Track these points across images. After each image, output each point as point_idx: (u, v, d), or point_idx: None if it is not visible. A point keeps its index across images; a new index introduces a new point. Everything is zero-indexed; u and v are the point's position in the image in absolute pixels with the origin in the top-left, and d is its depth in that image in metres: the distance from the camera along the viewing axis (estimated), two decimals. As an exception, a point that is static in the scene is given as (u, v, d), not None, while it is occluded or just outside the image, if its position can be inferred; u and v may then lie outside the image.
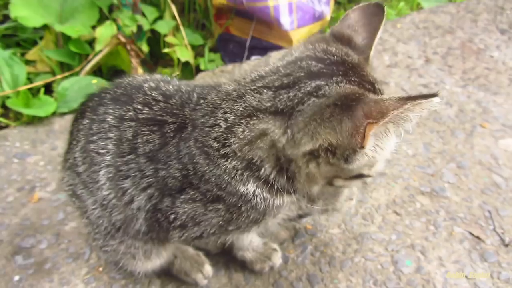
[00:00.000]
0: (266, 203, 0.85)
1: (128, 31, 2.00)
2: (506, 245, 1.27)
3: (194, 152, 0.85)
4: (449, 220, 1.35)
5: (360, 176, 0.85)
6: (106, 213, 0.97)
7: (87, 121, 0.99)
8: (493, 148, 1.59)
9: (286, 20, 2.13)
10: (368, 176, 0.86)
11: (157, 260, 1.09)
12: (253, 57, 2.24)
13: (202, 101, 0.90)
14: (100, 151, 0.94)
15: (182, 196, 0.90)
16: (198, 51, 2.40)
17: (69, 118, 1.76)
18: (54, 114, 1.79)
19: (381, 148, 0.77)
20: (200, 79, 2.01)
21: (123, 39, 1.96)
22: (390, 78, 1.95)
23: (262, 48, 2.25)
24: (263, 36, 2.25)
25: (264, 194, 0.84)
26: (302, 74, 0.80)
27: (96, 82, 1.89)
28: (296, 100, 0.77)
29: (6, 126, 1.81)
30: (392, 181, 1.48)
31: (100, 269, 1.25)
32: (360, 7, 0.90)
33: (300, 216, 1.09)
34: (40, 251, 1.31)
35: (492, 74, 1.96)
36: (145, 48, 2.10)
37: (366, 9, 0.89)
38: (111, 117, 0.95)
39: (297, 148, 0.78)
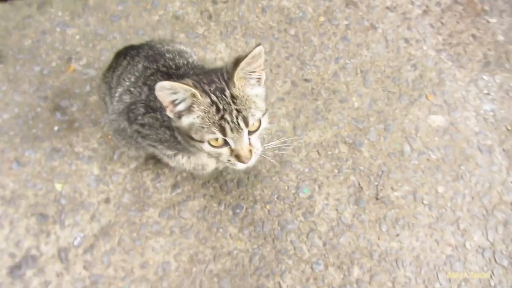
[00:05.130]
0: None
1: None
2: (377, 199, 1.92)
3: None
4: (351, 169, 1.97)
5: (192, 138, 1.28)
6: (117, 122, 1.64)
7: (126, 62, 1.61)
8: (421, 120, 2.07)
9: None
10: (198, 141, 1.27)
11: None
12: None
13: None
14: (126, 79, 1.58)
15: (150, 114, 1.53)
16: None
17: (102, -4, 2.24)
18: (91, -13, 2.25)
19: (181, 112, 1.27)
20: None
21: None
22: (381, 23, 2.26)
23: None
24: None
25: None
26: None
27: (129, -38, 2.26)
28: None
29: (53, -16, 2.29)
30: (329, 126, 2.04)
31: (110, 137, 1.97)
32: None
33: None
34: (72, 112, 2.01)
35: (473, 45, 2.25)
36: None
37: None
38: (140, 65, 1.58)
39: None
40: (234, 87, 1.26)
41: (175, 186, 1.90)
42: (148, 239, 1.81)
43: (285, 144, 1.99)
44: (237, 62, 1.24)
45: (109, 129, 1.82)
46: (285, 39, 2.21)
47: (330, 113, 2.06)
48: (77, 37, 2.15)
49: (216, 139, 1.26)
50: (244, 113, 1.25)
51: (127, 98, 1.57)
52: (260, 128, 1.32)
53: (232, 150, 1.30)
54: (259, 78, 1.30)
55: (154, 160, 1.94)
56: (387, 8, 2.30)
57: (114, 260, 1.78)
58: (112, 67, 1.68)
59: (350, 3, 2.30)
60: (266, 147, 1.49)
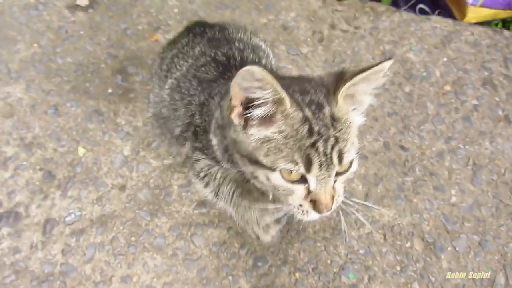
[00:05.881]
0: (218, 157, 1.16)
1: None
2: (439, 327, 1.42)
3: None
4: (418, 274, 1.50)
5: (256, 162, 0.93)
6: (159, 106, 1.38)
7: (185, 41, 1.36)
8: (534, 253, 1.56)
9: (472, -7, 1.95)
10: (266, 166, 0.92)
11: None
12: (419, 5, 2.15)
13: None
14: (178, 66, 1.31)
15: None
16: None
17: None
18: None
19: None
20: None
21: None
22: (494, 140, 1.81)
23: (433, 2, 2.13)
24: (444, -10, 2.11)
25: (218, 152, 1.14)
26: None
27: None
28: None
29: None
30: (410, 212, 1.60)
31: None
32: None
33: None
34: (134, 81, 1.79)
35: None
36: None
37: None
38: (198, 49, 1.31)
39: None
40: (336, 105, 0.91)
41: (202, 204, 1.57)
42: (144, 251, 1.48)
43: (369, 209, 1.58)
44: (341, 75, 0.90)
45: (149, 109, 1.56)
46: (396, 93, 1.84)
47: (417, 197, 1.63)
48: (176, 10, 1.96)
49: (290, 172, 0.90)
50: (341, 145, 0.90)
51: (177, 97, 1.30)
52: (350, 171, 0.96)
53: (309, 192, 0.93)
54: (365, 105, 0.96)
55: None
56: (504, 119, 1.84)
57: (97, 257, 1.46)
58: (173, 42, 1.44)
59: (488, 83, 1.88)
60: (347, 199, 1.10)
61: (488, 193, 1.66)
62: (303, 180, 0.92)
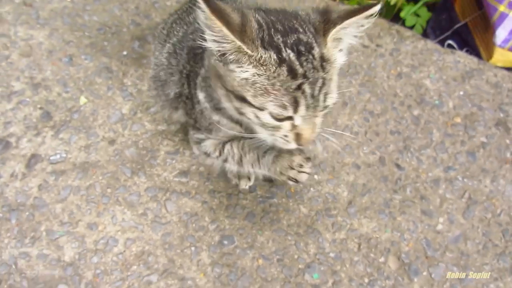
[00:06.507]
0: (207, 113, 1.17)
1: None
2: None
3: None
4: (385, 291, 1.45)
5: (243, 98, 0.93)
6: (158, 69, 1.43)
7: (186, 7, 1.44)
8: (513, 299, 1.48)
9: (501, 35, 1.95)
10: (254, 106, 0.92)
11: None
12: (448, 41, 2.16)
13: None
14: (175, 32, 1.37)
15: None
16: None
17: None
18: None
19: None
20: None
21: None
22: None
23: (462, 40, 2.14)
24: (474, 30, 2.11)
25: (206, 104, 1.15)
26: None
27: None
28: None
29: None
30: (391, 229, 1.56)
31: (163, 89, 1.77)
32: None
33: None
34: (149, 49, 1.86)
35: None
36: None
37: None
38: (193, 15, 1.35)
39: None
40: (325, 47, 0.92)
41: (183, 173, 1.59)
42: (116, 204, 1.49)
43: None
44: (327, 13, 0.92)
45: (150, 71, 1.61)
46: (403, 114, 1.83)
47: (402, 216, 1.59)
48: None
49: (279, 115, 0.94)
50: (328, 85, 0.91)
51: (174, 63, 1.34)
52: (330, 106, 0.97)
53: (294, 126, 0.96)
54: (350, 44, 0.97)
55: (184, 137, 1.66)
56: None
57: (70, 199, 1.49)
58: (178, 8, 1.52)
59: (501, 124, 1.85)
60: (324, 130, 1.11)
61: (478, 229, 1.60)
62: (289, 117, 0.94)
